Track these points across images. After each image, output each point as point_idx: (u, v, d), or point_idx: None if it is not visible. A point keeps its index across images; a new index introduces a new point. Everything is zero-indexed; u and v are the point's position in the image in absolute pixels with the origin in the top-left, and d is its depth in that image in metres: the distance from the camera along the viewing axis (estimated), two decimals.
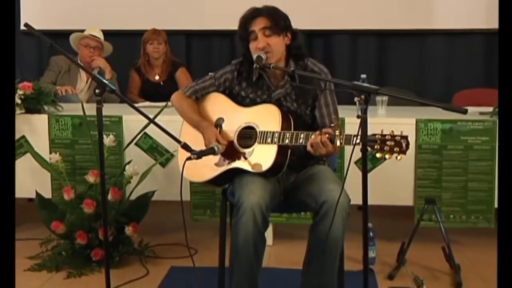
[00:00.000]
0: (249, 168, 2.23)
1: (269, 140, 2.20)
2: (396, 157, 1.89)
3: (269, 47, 2.25)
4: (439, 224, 2.77)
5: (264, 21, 2.26)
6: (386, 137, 1.91)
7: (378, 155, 1.92)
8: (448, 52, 4.54)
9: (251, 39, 2.27)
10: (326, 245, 2.11)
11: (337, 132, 2.01)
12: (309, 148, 2.10)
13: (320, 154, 2.08)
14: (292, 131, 2.19)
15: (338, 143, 2.01)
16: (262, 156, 2.22)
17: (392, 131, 1.92)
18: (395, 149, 1.89)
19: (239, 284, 2.15)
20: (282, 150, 2.20)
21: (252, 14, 2.28)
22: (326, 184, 2.17)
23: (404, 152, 1.89)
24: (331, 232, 2.08)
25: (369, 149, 1.91)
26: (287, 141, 2.16)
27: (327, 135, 2.04)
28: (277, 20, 2.27)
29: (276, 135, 2.19)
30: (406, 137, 1.90)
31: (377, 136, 1.92)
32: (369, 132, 1.87)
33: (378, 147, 1.90)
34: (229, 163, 2.29)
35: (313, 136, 2.08)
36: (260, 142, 2.23)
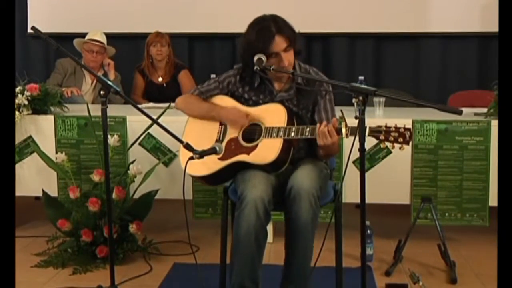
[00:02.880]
0: (252, 161, 2.26)
1: (274, 134, 2.25)
2: (400, 147, 1.96)
3: (290, 66, 2.31)
4: (435, 222, 2.80)
5: (283, 40, 2.26)
6: (391, 128, 1.99)
7: (382, 145, 1.99)
8: (443, 55, 4.55)
9: (271, 57, 2.27)
10: (296, 229, 2.17)
11: (343, 124, 2.08)
12: (318, 141, 2.15)
13: (325, 144, 2.13)
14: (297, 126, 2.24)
15: (344, 133, 2.08)
16: (266, 150, 2.26)
17: (396, 124, 1.99)
18: (399, 140, 1.97)
19: (240, 276, 2.17)
20: (286, 145, 2.24)
21: (269, 35, 2.26)
22: (297, 171, 2.23)
23: (407, 143, 1.96)
24: (298, 217, 2.14)
25: (373, 139, 1.98)
26: (292, 134, 2.21)
27: (333, 126, 2.12)
28: (291, 36, 2.29)
29: (282, 129, 2.24)
30: (409, 129, 1.98)
31: (382, 127, 1.99)
32: (367, 133, 1.94)
33: (383, 137, 1.98)
34: (233, 157, 2.32)
35: (319, 126, 2.14)
36: (266, 137, 2.27)
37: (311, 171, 2.23)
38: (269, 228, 3.15)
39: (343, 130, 2.09)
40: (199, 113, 2.47)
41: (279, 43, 2.26)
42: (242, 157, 2.30)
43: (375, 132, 2.00)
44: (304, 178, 2.18)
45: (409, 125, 2.93)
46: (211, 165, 2.34)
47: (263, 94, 2.41)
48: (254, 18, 2.35)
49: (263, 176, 2.22)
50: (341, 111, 2.09)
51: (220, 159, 2.33)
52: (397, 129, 1.98)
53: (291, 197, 2.17)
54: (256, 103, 2.41)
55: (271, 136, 2.26)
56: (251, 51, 2.29)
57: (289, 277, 2.29)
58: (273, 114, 2.31)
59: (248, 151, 2.30)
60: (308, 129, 2.20)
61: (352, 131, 2.07)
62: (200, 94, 2.50)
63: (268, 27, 2.27)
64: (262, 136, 2.30)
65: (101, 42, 4.05)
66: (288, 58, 2.30)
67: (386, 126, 2.00)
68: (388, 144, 1.99)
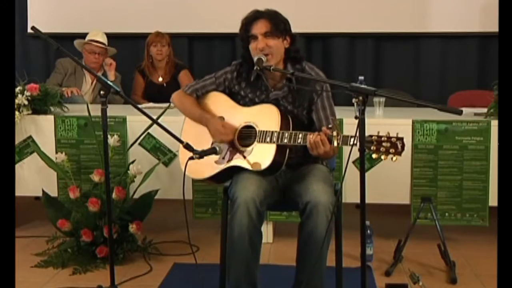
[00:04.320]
0: (248, 166, 2.26)
1: (268, 139, 2.23)
2: (392, 158, 1.90)
3: (268, 49, 2.29)
4: (435, 222, 2.80)
5: (265, 24, 2.30)
6: (382, 138, 1.92)
7: (374, 155, 1.94)
8: (443, 55, 4.55)
9: (251, 40, 2.31)
10: (311, 244, 2.15)
11: (334, 133, 2.05)
12: (308, 145, 2.14)
13: (319, 153, 2.13)
14: (291, 131, 2.22)
15: (335, 144, 2.05)
16: (261, 155, 2.25)
17: (388, 133, 1.94)
18: (390, 150, 1.90)
19: (236, 280, 2.17)
20: (280, 150, 2.23)
21: (254, 17, 2.32)
22: (311, 184, 2.20)
23: (399, 154, 1.90)
24: (315, 232, 2.12)
25: (365, 150, 1.94)
26: (285, 140, 2.20)
27: (325, 135, 2.10)
28: (278, 23, 2.31)
29: (275, 134, 2.22)
30: (401, 139, 1.91)
31: (373, 138, 1.93)
32: (367, 133, 1.90)
33: (374, 148, 1.92)
34: (228, 161, 2.32)
35: (311, 136, 2.13)
36: (259, 141, 2.26)
37: (325, 184, 2.21)
38: (269, 228, 3.18)
39: (335, 142, 2.05)
40: (192, 118, 2.48)
41: (260, 26, 2.30)
42: (238, 162, 2.30)
43: (366, 142, 1.92)
44: (320, 193, 2.15)
45: (409, 125, 2.99)
46: (208, 169, 2.35)
47: (260, 90, 2.40)
48: None
49: (256, 178, 2.22)
50: (332, 119, 2.06)
51: (216, 162, 2.33)
52: (389, 139, 1.92)
53: (307, 211, 2.15)
54: (252, 100, 2.40)
55: (264, 141, 2.25)
56: (241, 38, 2.35)
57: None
58: (266, 117, 2.30)
59: (244, 155, 2.30)
60: (300, 135, 2.18)
61: (343, 141, 2.04)
62: (195, 91, 2.49)
63: (257, 12, 2.33)
64: (256, 140, 2.29)
65: (103, 43, 4.04)
66: (267, 42, 2.29)
67: (377, 136, 1.94)
68: (380, 155, 1.92)
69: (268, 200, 2.21)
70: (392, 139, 1.92)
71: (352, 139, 2.01)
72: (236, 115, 2.39)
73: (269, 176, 2.27)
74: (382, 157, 1.92)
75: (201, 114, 2.43)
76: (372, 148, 1.93)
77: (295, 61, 2.38)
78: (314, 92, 2.34)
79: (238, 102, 2.43)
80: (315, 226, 2.12)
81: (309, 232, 2.15)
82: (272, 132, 2.24)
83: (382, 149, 1.92)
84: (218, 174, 2.35)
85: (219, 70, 2.49)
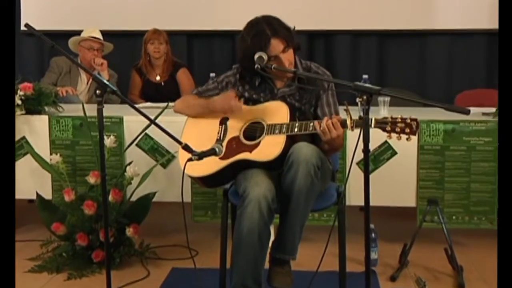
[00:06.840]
0: (255, 159, 2.24)
1: (277, 131, 2.23)
2: (407, 138, 1.97)
3: (291, 63, 2.31)
4: (442, 225, 2.77)
5: (280, 42, 2.27)
6: (397, 119, 2.00)
7: (388, 137, 2.00)
8: (449, 53, 4.56)
9: (272, 60, 2.27)
10: (291, 196, 2.15)
11: (347, 116, 2.08)
12: (320, 130, 2.13)
13: (332, 138, 2.12)
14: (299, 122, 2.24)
15: (349, 126, 2.08)
16: (269, 146, 2.24)
17: (401, 115, 2.00)
18: (406, 130, 1.98)
19: (242, 276, 2.13)
20: (289, 142, 2.22)
21: (265, 39, 2.26)
22: (298, 143, 2.21)
23: (414, 133, 1.97)
24: (295, 183, 2.12)
25: (378, 139, 1.98)
26: (296, 129, 2.20)
27: (336, 119, 2.12)
28: (288, 36, 2.30)
29: (285, 125, 2.23)
30: (415, 119, 1.98)
31: (388, 119, 2.00)
32: (373, 125, 1.99)
33: (390, 128, 1.99)
34: (234, 156, 2.28)
35: (324, 120, 2.14)
36: (268, 134, 2.26)
37: (312, 145, 2.21)
38: (271, 228, 3.12)
39: (348, 122, 2.08)
40: (197, 111, 2.45)
41: (276, 45, 2.27)
42: (244, 155, 2.27)
43: (381, 123, 2.00)
44: (304, 147, 2.16)
45: None
46: (211, 165, 2.30)
47: (264, 92, 2.40)
48: (248, 20, 2.34)
49: (266, 174, 2.20)
50: (345, 103, 2.08)
51: (221, 158, 2.29)
52: (403, 119, 1.99)
53: (288, 164, 2.15)
54: (256, 102, 2.39)
55: (273, 133, 2.25)
56: (249, 56, 2.29)
57: (279, 246, 2.27)
58: (275, 112, 2.30)
59: (251, 149, 2.27)
60: (311, 124, 2.19)
61: (357, 124, 2.07)
62: (199, 94, 2.50)
63: (263, 31, 2.27)
64: (264, 133, 2.28)
65: (100, 39, 4.06)
66: (288, 58, 2.30)
67: (392, 117, 2.00)
68: (394, 135, 1.98)
69: (278, 198, 2.19)
70: (407, 119, 1.99)
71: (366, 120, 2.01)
72: (243, 114, 2.36)
73: (276, 173, 2.24)
74: (396, 137, 1.98)
75: (206, 101, 2.42)
76: (387, 128, 1.99)
77: (298, 51, 2.38)
78: (321, 89, 2.36)
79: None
80: (295, 177, 2.12)
81: (289, 184, 2.14)
82: (282, 124, 2.24)
83: (397, 129, 1.98)
84: (222, 171, 2.30)
85: (220, 75, 2.48)
